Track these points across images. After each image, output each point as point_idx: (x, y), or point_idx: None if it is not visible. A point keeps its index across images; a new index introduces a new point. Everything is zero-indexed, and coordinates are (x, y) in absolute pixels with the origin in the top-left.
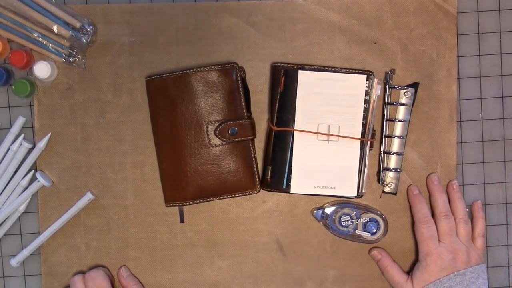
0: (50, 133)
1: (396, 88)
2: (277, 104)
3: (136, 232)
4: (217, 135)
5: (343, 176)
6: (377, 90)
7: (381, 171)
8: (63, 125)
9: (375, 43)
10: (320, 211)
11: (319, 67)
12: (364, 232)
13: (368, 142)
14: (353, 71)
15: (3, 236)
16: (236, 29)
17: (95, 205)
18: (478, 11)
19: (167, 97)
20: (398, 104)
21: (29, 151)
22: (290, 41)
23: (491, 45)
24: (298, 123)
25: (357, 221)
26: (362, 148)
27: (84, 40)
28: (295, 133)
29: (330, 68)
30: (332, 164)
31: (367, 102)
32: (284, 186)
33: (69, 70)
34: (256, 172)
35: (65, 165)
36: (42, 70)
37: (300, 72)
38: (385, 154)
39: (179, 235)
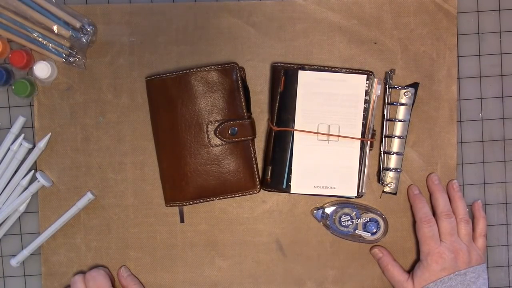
0: (50, 133)
1: (396, 88)
2: (277, 104)
3: (136, 232)
4: (217, 135)
5: (343, 176)
6: (377, 90)
7: (381, 171)
8: (63, 125)
9: (375, 43)
10: (320, 211)
11: (319, 67)
12: (364, 232)
13: (368, 142)
14: (353, 71)
15: (3, 236)
16: (236, 29)
17: (95, 205)
18: (478, 11)
19: (167, 97)
20: (398, 104)
21: (29, 151)
22: (290, 41)
23: (491, 45)
24: (298, 123)
25: (357, 221)
26: (362, 148)
27: (84, 40)
28: (295, 133)
29: (330, 68)
30: (332, 164)
31: (367, 102)
32: (284, 186)
33: (69, 70)
34: (256, 172)
35: (65, 165)
36: (42, 70)
37: (300, 72)
38: (385, 154)
39: (179, 235)
